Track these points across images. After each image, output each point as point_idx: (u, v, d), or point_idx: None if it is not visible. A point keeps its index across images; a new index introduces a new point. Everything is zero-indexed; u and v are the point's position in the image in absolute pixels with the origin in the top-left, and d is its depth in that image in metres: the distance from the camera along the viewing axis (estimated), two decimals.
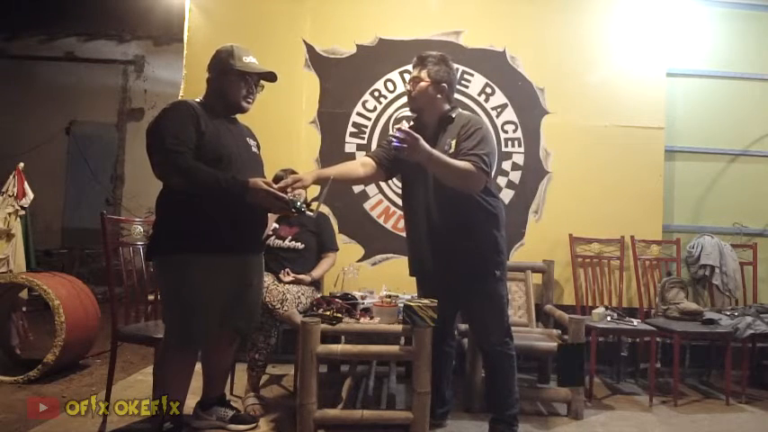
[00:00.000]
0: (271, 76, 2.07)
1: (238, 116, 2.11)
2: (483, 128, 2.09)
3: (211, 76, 2.03)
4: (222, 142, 1.94)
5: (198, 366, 2.10)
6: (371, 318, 2.15)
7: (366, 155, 2.31)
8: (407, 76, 3.37)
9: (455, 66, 2.24)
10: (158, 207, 1.97)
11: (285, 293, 2.44)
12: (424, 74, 2.13)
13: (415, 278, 2.33)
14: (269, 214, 2.16)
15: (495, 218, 2.14)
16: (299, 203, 1.92)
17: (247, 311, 2.11)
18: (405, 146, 1.87)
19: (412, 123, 2.17)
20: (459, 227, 2.09)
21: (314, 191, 3.12)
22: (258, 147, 2.17)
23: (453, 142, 2.07)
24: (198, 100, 2.02)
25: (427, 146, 1.92)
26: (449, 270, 2.14)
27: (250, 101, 2.05)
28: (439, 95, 2.14)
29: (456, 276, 2.13)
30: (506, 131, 3.45)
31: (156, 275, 2.01)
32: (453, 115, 2.15)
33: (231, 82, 2.00)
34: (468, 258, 2.10)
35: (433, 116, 2.18)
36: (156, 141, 1.86)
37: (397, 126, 1.92)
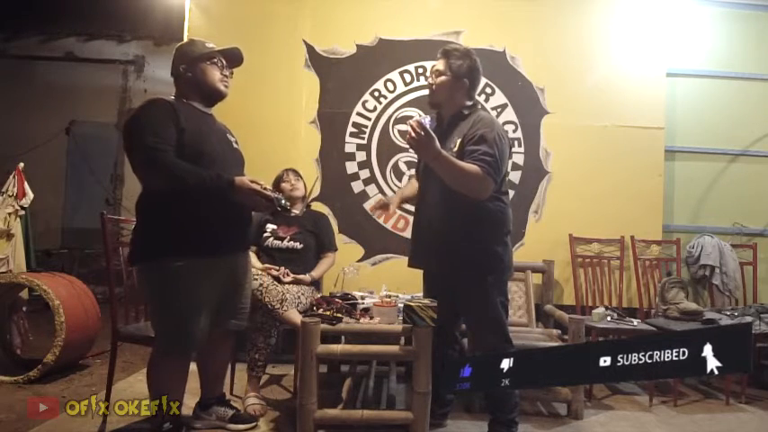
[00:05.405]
0: (236, 53, 2.04)
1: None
2: (492, 130, 2.00)
3: (180, 72, 1.97)
4: (204, 138, 1.91)
5: (195, 367, 2.10)
6: (371, 318, 2.15)
7: (411, 177, 2.34)
8: (414, 70, 3.43)
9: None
10: (139, 210, 1.91)
11: (285, 293, 2.44)
12: (446, 67, 2.10)
13: (412, 272, 2.28)
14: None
15: (494, 222, 2.07)
16: (283, 201, 1.92)
17: (238, 310, 2.10)
18: (417, 140, 1.84)
19: (434, 122, 2.13)
20: (456, 227, 2.05)
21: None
22: (237, 143, 2.13)
23: (459, 141, 2.03)
24: (171, 99, 1.96)
25: (438, 146, 1.87)
26: (446, 270, 2.12)
27: (226, 84, 2.02)
28: (459, 90, 2.11)
29: (453, 278, 2.11)
30: (506, 131, 3.44)
31: (140, 281, 1.94)
32: (466, 113, 2.10)
33: (202, 69, 1.96)
34: (463, 261, 2.05)
35: (451, 111, 2.14)
36: (135, 140, 1.80)
37: (415, 119, 1.86)
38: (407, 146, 2.02)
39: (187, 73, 1.97)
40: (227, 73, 2.04)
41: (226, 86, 2.02)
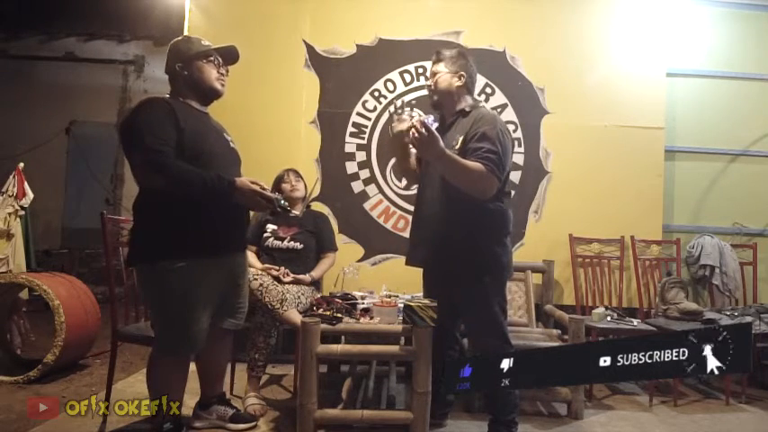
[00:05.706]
0: (232, 51, 2.02)
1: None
2: (494, 127, 1.98)
3: (176, 70, 1.94)
4: (203, 138, 1.89)
5: (195, 367, 2.10)
6: (371, 318, 2.15)
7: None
8: (414, 70, 3.44)
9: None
10: (137, 211, 1.89)
11: (285, 293, 2.44)
12: (441, 67, 2.12)
13: (412, 272, 2.26)
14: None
15: (493, 222, 2.05)
16: (283, 202, 1.92)
17: (237, 310, 2.10)
18: (420, 140, 1.81)
19: (438, 121, 2.13)
20: (455, 227, 2.03)
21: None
22: (233, 142, 2.11)
23: (461, 138, 2.01)
24: (167, 97, 1.94)
25: (442, 145, 1.85)
26: (444, 270, 2.11)
27: (223, 83, 2.01)
28: (458, 83, 2.10)
29: (451, 278, 2.09)
30: (508, 129, 3.44)
31: (139, 282, 1.92)
32: (468, 110, 2.09)
33: (199, 68, 1.94)
34: (460, 261, 2.04)
35: (452, 109, 2.14)
36: (135, 141, 1.78)
37: (418, 119, 1.85)
38: (410, 145, 2.01)
39: (183, 71, 1.95)
40: (224, 71, 2.02)
41: (222, 85, 2.01)
